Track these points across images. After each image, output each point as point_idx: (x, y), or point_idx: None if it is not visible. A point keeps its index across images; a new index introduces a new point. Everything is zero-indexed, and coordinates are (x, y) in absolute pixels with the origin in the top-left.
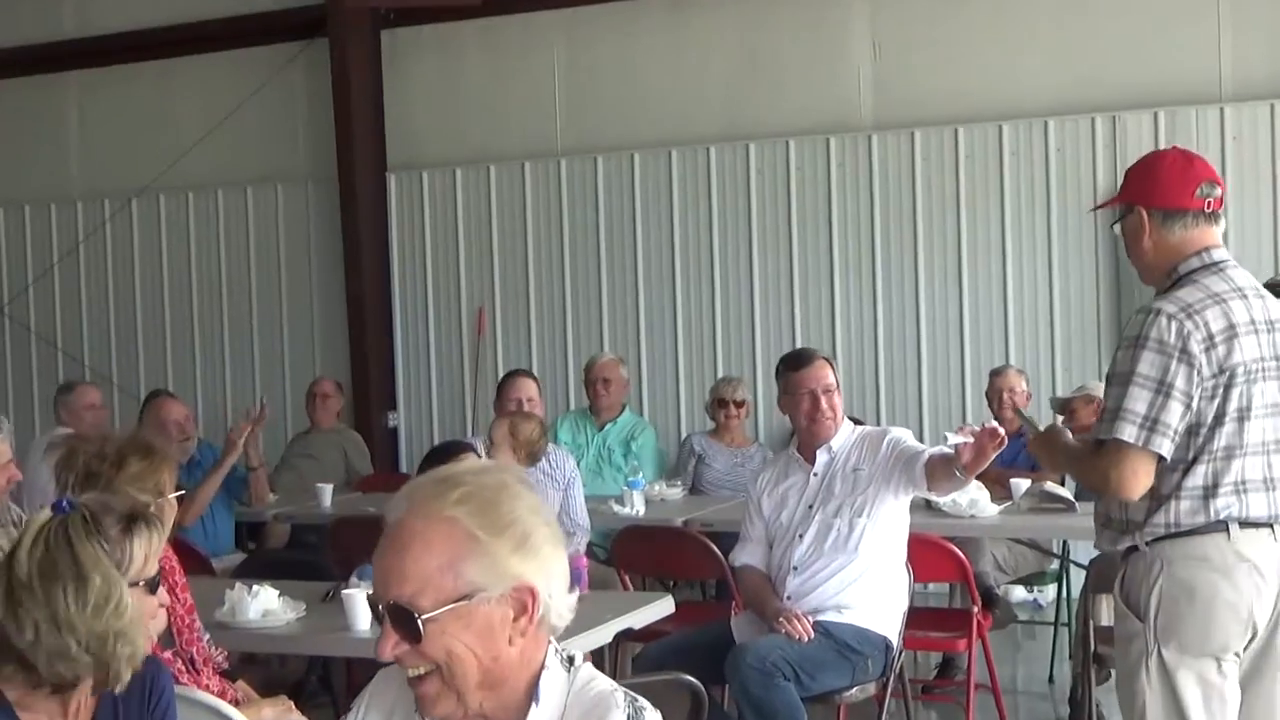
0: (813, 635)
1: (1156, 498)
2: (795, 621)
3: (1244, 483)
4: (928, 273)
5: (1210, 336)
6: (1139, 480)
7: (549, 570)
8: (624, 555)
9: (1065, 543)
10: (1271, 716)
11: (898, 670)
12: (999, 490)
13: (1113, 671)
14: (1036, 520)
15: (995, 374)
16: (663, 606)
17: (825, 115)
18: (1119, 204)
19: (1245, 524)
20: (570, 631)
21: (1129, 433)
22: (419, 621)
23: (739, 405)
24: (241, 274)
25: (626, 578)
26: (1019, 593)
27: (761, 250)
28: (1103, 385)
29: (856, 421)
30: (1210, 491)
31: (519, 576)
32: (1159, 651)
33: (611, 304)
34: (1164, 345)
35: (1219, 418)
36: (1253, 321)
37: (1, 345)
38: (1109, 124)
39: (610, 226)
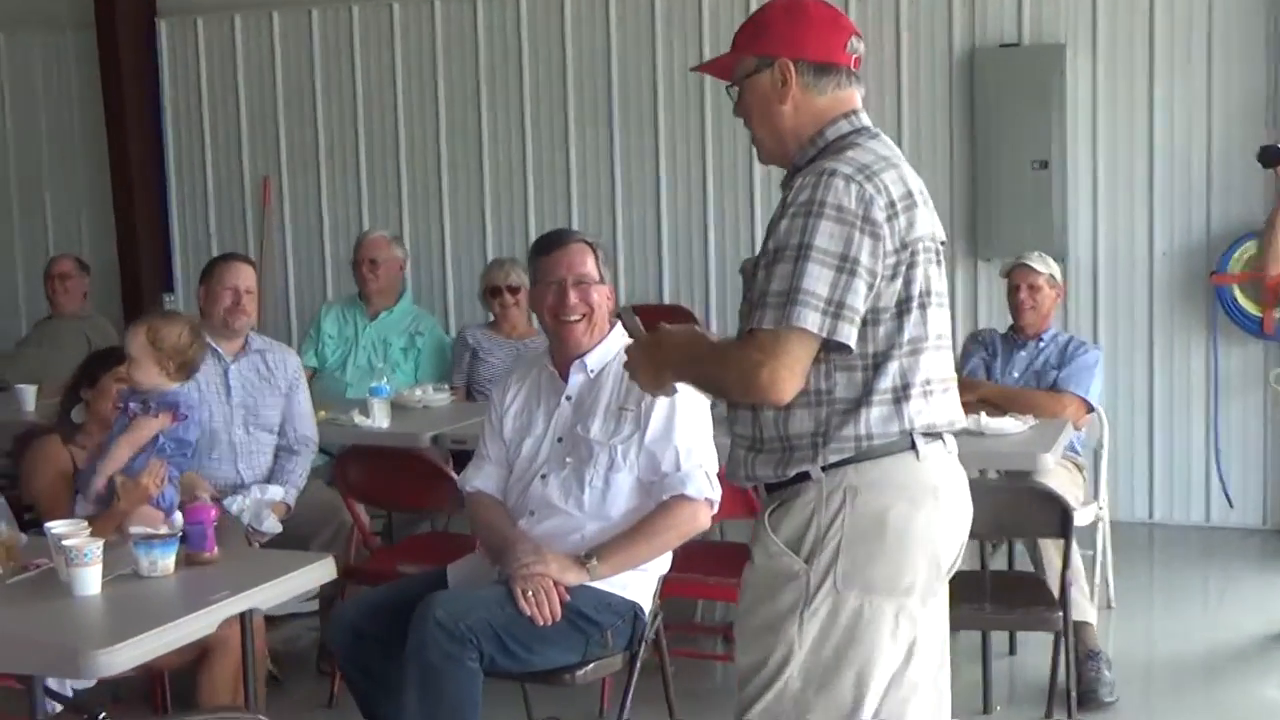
0: (559, 616)
1: (834, 407)
2: (542, 597)
3: (928, 382)
4: None
5: (892, 203)
6: (795, 378)
7: None
8: (347, 479)
9: None
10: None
11: (651, 638)
12: None
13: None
14: None
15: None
16: (310, 575)
17: None
18: (750, 56)
19: (930, 435)
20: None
21: (811, 320)
22: None
23: (514, 291)
24: None
25: (359, 509)
26: None
27: (535, 114)
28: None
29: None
30: (900, 394)
31: None
32: (832, 598)
33: (411, 172)
34: (844, 212)
35: (903, 303)
36: (921, 192)
37: None
38: None
39: (409, 79)
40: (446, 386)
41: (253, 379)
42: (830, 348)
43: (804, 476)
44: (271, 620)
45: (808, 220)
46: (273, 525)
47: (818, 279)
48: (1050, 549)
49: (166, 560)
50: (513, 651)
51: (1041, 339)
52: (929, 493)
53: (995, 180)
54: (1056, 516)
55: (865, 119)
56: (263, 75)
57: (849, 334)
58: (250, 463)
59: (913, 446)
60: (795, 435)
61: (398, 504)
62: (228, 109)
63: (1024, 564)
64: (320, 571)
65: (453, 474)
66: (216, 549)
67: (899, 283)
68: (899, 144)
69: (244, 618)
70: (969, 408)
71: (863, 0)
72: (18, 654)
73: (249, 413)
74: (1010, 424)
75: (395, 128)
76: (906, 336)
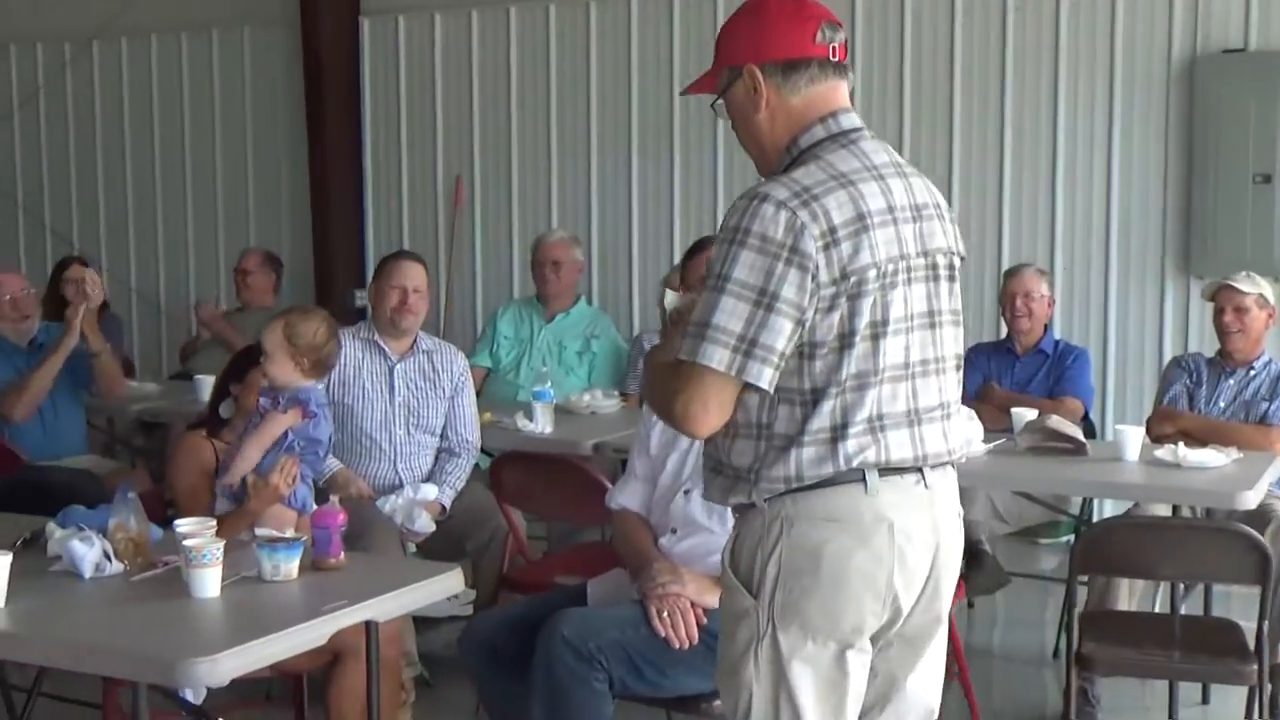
0: (695, 639)
1: (772, 442)
2: (678, 619)
3: (881, 418)
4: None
5: (830, 230)
6: (709, 415)
7: None
8: (502, 485)
9: (1090, 501)
10: (912, 712)
11: None
12: (997, 422)
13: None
14: (1031, 466)
15: (1010, 274)
16: (437, 586)
17: None
18: (724, 68)
19: (886, 470)
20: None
21: (718, 357)
22: None
23: None
24: (205, 130)
25: (515, 515)
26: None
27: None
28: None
29: None
30: (839, 433)
31: None
32: (774, 635)
33: (601, 174)
34: (767, 242)
35: (845, 337)
36: (890, 209)
37: None
38: None
39: (604, 83)
40: (617, 393)
41: (417, 380)
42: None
43: (748, 506)
44: (428, 622)
45: (730, 248)
46: (425, 525)
47: (731, 314)
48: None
49: (289, 565)
50: (645, 675)
51: (1252, 366)
52: (879, 527)
53: (1213, 195)
54: (1254, 560)
55: (848, 120)
56: (460, 74)
57: (760, 374)
58: (410, 464)
59: (862, 479)
60: (737, 466)
61: (550, 513)
62: (424, 107)
63: (1224, 608)
64: (448, 583)
65: (608, 485)
66: (343, 554)
67: (837, 315)
68: (1108, 158)
69: (368, 627)
70: (1166, 439)
71: (1074, 9)
72: (118, 660)
73: (411, 414)
74: (1211, 457)
75: (588, 128)
76: (850, 371)
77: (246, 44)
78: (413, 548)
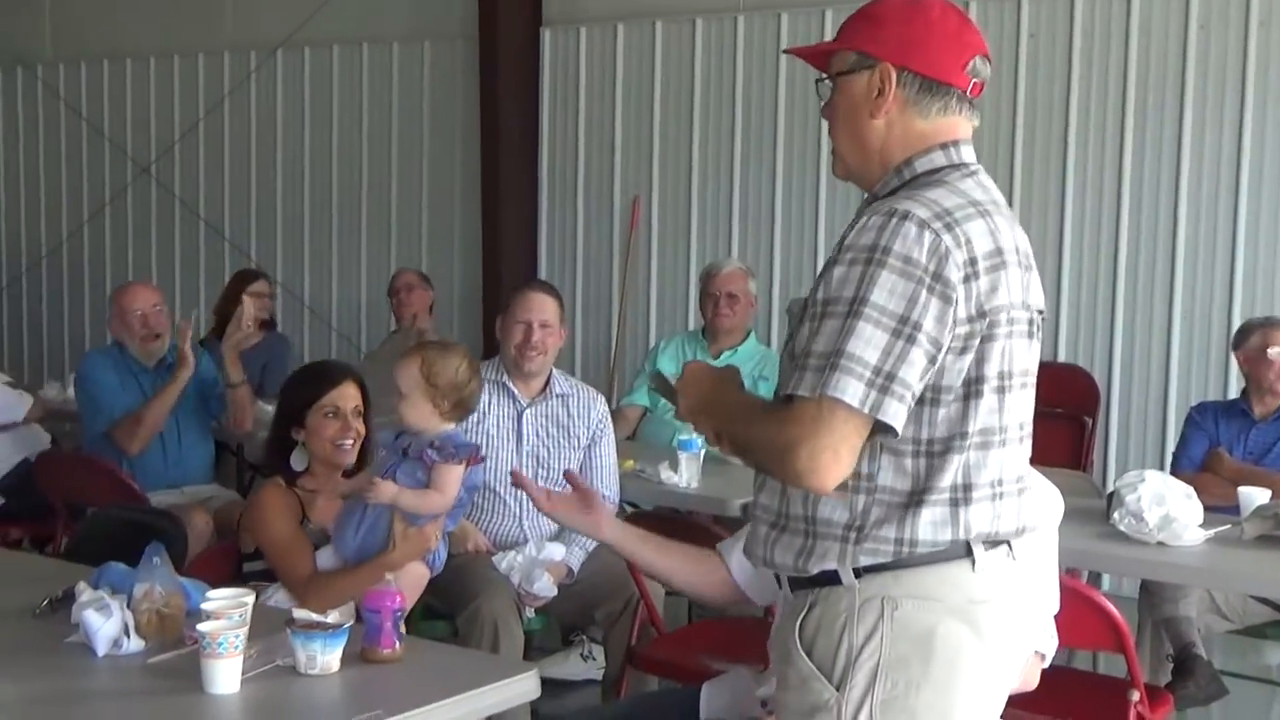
0: None
1: (877, 496)
2: None
3: (1000, 482)
4: None
5: (972, 261)
6: (840, 463)
7: None
8: None
9: None
10: None
11: None
12: (1224, 497)
13: None
14: (1259, 561)
15: (1251, 330)
16: (503, 693)
17: None
18: (851, 51)
19: (991, 543)
20: None
21: (853, 391)
22: None
23: None
24: (382, 146)
25: (646, 584)
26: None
27: None
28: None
29: None
30: (961, 496)
31: None
32: None
33: (787, 200)
34: (910, 265)
35: (972, 384)
36: (1018, 250)
37: (147, 208)
38: None
39: (793, 94)
40: None
41: (549, 427)
42: (875, 426)
43: (831, 577)
44: (561, 685)
45: (867, 269)
46: (546, 588)
47: (868, 342)
48: None
49: (329, 656)
50: None
51: None
52: (983, 609)
53: None
54: None
55: (968, 153)
56: (641, 88)
57: (897, 413)
58: (536, 520)
59: (968, 554)
60: (823, 521)
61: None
62: (604, 123)
63: None
64: (521, 687)
65: None
66: (399, 644)
67: (968, 359)
68: None
69: None
70: None
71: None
72: None
73: (540, 464)
74: None
75: (774, 149)
76: (975, 425)
77: (426, 56)
78: (530, 612)
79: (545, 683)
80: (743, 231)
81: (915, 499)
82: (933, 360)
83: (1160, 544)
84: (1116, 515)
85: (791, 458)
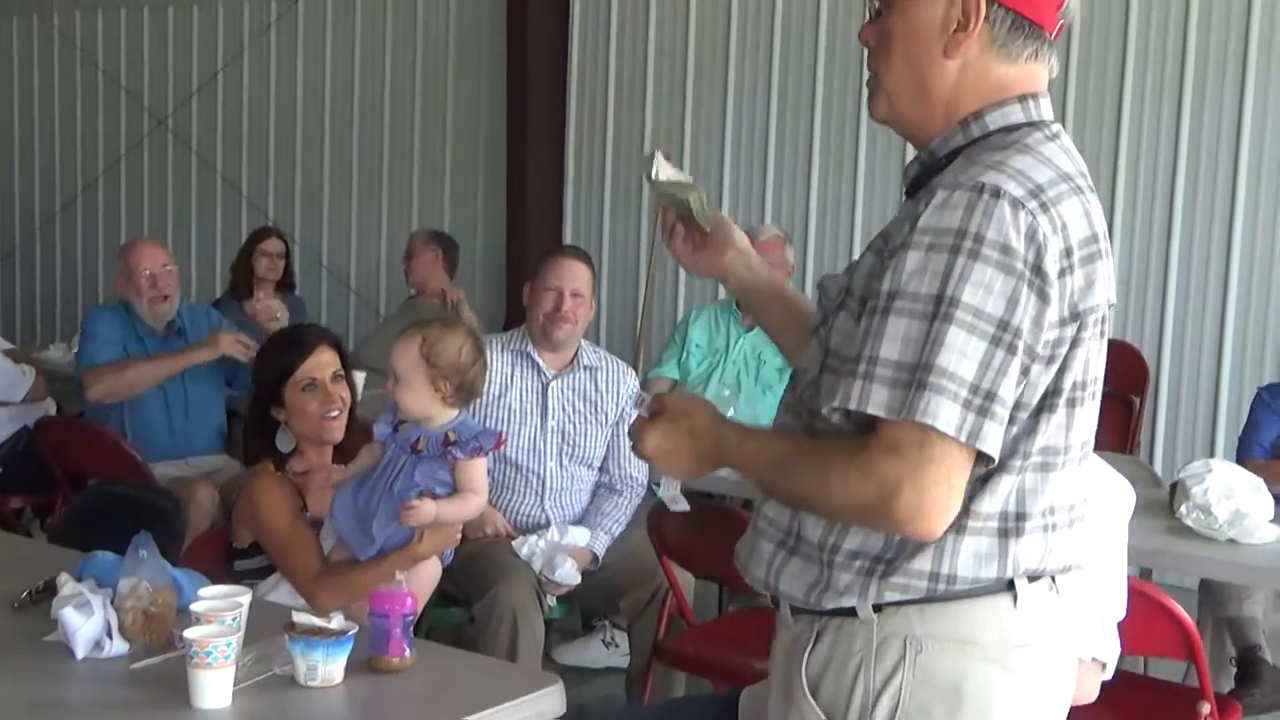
0: None
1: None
2: None
3: (1053, 511)
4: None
5: (1067, 251)
6: (954, 502)
7: None
8: (660, 532)
9: None
10: None
11: None
12: None
13: None
14: None
15: None
16: (533, 708)
17: None
18: None
19: (1034, 577)
20: None
21: (947, 415)
22: None
23: None
24: (405, 106)
25: (675, 570)
26: None
27: None
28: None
29: None
30: (1012, 525)
31: None
32: None
33: (824, 166)
34: (1010, 255)
35: (1048, 397)
36: (1106, 235)
37: (163, 162)
38: None
39: (830, 67)
40: None
41: (576, 402)
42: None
43: (845, 610)
44: (584, 673)
45: (954, 260)
46: (569, 575)
47: (963, 354)
48: None
49: (331, 666)
50: None
51: None
52: (1022, 651)
53: None
54: None
55: (1047, 109)
56: (675, 41)
57: (996, 440)
58: (560, 501)
59: (1010, 588)
60: (846, 550)
61: (706, 571)
62: (634, 77)
63: None
64: (544, 705)
65: None
66: (409, 651)
67: (1054, 370)
68: None
69: None
70: None
71: None
72: None
73: (566, 441)
74: None
75: (811, 114)
76: (1039, 444)
77: (452, 7)
78: (552, 601)
79: (565, 670)
80: (777, 195)
81: (956, 526)
82: (1026, 372)
83: (1230, 541)
84: (1184, 509)
85: (893, 500)
